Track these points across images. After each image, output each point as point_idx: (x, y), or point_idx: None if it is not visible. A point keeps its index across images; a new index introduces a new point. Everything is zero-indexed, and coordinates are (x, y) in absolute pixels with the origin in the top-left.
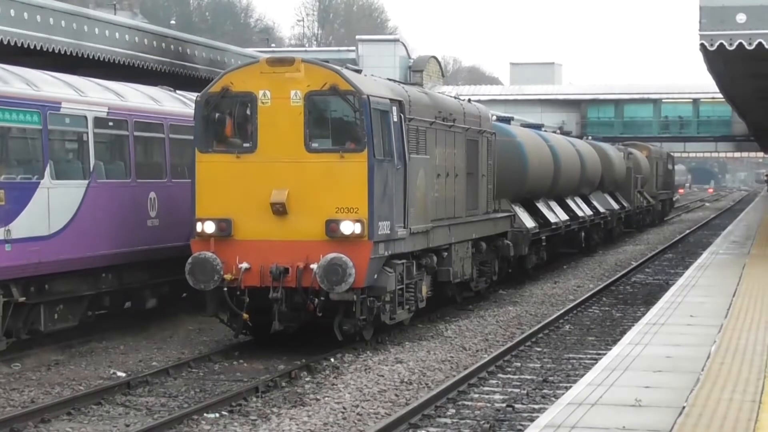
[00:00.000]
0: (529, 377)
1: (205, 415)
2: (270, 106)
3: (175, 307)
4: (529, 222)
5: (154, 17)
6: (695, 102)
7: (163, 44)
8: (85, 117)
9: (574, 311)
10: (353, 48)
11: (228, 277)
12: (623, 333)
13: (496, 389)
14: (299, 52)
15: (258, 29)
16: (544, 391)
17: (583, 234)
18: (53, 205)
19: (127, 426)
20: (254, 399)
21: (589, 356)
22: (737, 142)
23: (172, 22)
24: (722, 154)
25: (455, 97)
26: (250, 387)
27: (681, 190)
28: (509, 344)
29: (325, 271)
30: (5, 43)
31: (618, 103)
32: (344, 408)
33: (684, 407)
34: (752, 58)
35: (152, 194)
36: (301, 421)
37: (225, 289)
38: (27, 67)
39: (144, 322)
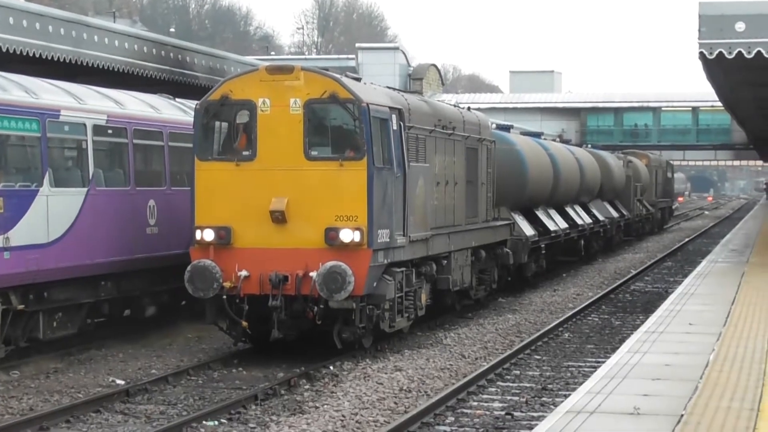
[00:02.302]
0: (528, 385)
1: (204, 422)
2: (269, 114)
3: (174, 315)
4: (528, 230)
5: (153, 25)
6: (694, 110)
7: (163, 52)
8: (84, 125)
9: (574, 319)
10: (353, 56)
11: (227, 284)
12: (622, 341)
13: (495, 397)
14: (299, 60)
15: (258, 37)
16: (543, 399)
17: (582, 242)
18: (52, 212)
19: None
20: (253, 407)
21: (588, 364)
22: (736, 150)
23: (172, 30)
24: (721, 163)
25: (455, 105)
26: (249, 395)
27: (680, 199)
28: (508, 352)
29: (325, 279)
30: (4, 50)
31: (617, 112)
32: (343, 416)
33: (682, 415)
34: (751, 66)
35: (151, 202)
36: (300, 429)
37: (224, 297)
38: (26, 74)
39: (143, 329)
